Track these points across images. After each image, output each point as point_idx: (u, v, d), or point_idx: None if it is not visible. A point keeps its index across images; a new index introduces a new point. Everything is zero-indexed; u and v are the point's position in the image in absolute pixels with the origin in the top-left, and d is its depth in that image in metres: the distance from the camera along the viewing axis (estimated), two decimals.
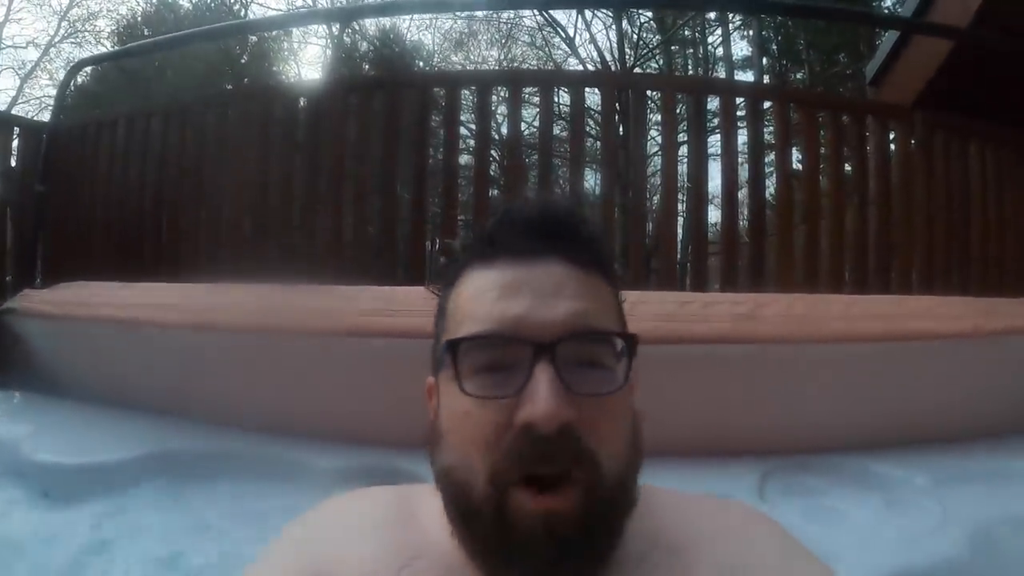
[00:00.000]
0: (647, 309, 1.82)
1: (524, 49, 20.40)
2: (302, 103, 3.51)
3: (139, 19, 19.70)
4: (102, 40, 19.32)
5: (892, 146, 3.40)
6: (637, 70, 16.65)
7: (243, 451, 2.01)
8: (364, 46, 20.36)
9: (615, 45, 17.60)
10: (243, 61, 19.89)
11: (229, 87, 16.67)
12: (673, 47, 18.46)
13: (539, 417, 0.59)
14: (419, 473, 1.56)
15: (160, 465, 1.93)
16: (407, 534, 0.74)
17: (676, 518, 0.75)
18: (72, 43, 19.38)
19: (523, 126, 4.16)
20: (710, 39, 18.67)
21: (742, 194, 3.47)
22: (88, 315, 2.31)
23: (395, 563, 0.70)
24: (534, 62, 19.67)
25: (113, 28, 19.73)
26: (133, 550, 1.58)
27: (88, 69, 14.87)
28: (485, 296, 0.67)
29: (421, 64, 20.24)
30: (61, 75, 17.44)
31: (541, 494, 0.61)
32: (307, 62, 21.77)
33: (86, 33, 19.64)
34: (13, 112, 14.41)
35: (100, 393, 2.38)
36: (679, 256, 5.25)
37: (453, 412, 0.67)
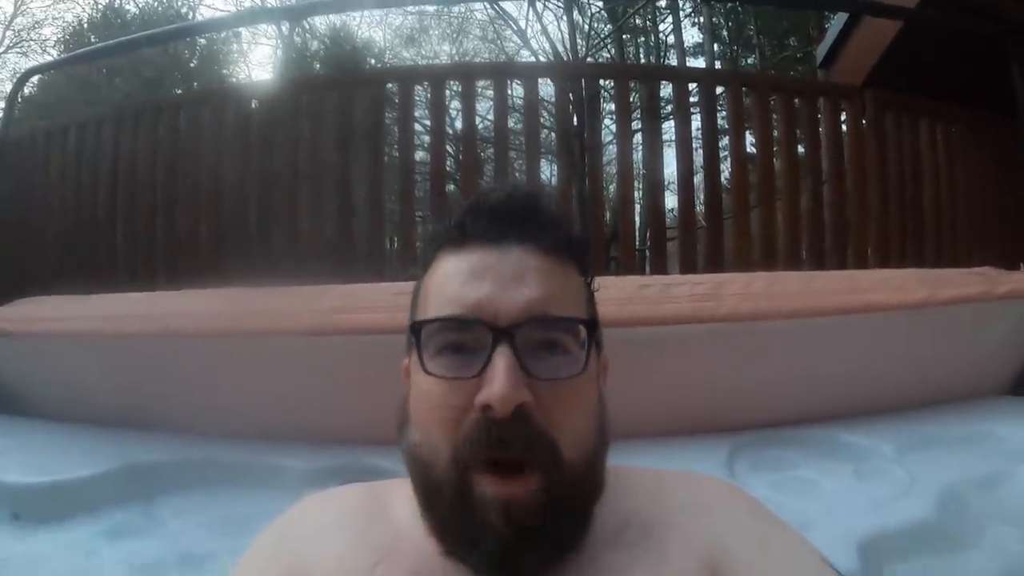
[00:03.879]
0: (607, 294, 1.81)
1: (476, 43, 20.33)
2: (254, 105, 3.47)
3: (85, 26, 19.21)
4: (48, 49, 18.84)
5: (844, 126, 3.46)
6: (589, 60, 16.68)
7: (215, 459, 1.98)
8: (315, 45, 20.13)
9: (567, 36, 17.63)
10: (192, 65, 19.54)
11: (179, 92, 16.37)
12: (625, 36, 18.52)
13: (495, 399, 0.61)
14: (392, 469, 1.56)
15: (131, 479, 1.88)
16: (381, 530, 0.74)
17: (649, 495, 0.76)
18: (18, 53, 18.91)
19: (478, 120, 4.15)
20: (661, 27, 18.77)
21: (697, 179, 3.51)
22: (47, 330, 2.24)
23: (370, 559, 0.70)
24: (486, 55, 19.61)
25: (59, 36, 19.26)
26: (112, 568, 1.54)
27: (35, 80, 14.51)
28: (452, 280, 0.69)
29: (373, 62, 20.08)
30: (7, 86, 17.00)
31: (502, 480, 0.62)
32: (258, 63, 21.51)
33: (32, 42, 19.16)
34: None
35: (65, 410, 2.32)
36: (637, 243, 5.29)
37: (419, 392, 0.68)
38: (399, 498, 0.76)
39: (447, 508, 0.65)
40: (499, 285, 0.66)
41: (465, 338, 0.66)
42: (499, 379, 0.61)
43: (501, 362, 0.62)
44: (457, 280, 0.68)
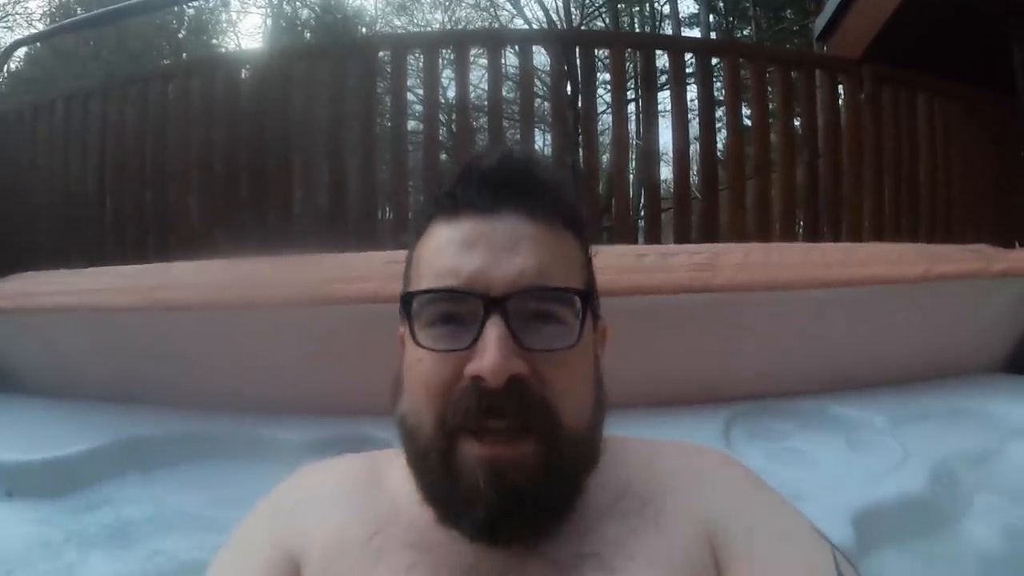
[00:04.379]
0: (604, 262, 1.80)
1: (469, 11, 20.07)
2: (245, 75, 3.43)
3: None
4: (34, 23, 18.54)
5: (841, 100, 3.45)
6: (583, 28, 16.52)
7: (209, 432, 1.97)
8: (305, 14, 19.88)
9: (561, 4, 17.46)
10: (181, 35, 19.29)
11: (167, 63, 16.17)
12: (619, 5, 18.34)
13: (486, 370, 0.60)
14: (388, 439, 1.54)
15: (125, 454, 1.87)
16: (376, 501, 0.74)
17: (645, 466, 0.75)
18: (3, 27, 18.62)
19: (471, 89, 4.11)
20: None
21: (692, 150, 3.49)
22: (39, 306, 2.22)
23: (366, 531, 0.70)
24: (480, 24, 19.39)
25: (45, 9, 18.95)
26: (108, 544, 1.54)
27: (21, 54, 14.29)
28: (444, 250, 0.67)
29: (364, 30, 19.84)
30: None
31: (491, 444, 0.62)
32: (247, 33, 21.25)
33: (17, 16, 18.85)
34: None
35: (58, 385, 2.31)
36: (632, 213, 5.28)
37: (411, 362, 0.67)
38: (395, 469, 0.75)
39: (435, 474, 0.65)
40: (491, 255, 0.65)
41: (457, 309, 0.64)
42: (490, 350, 0.60)
43: (493, 333, 0.61)
44: (449, 250, 0.67)
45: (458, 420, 0.62)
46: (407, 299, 0.66)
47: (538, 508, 0.63)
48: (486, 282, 0.63)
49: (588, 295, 0.67)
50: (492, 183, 0.69)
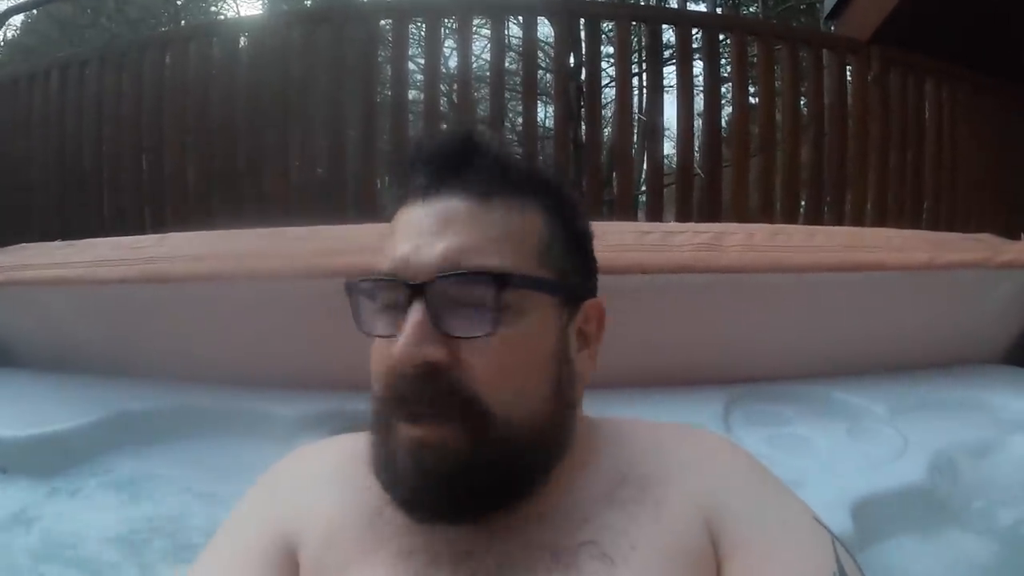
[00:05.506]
0: (606, 240, 1.79)
1: None
2: (243, 42, 3.38)
3: None
4: None
5: (848, 80, 3.41)
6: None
7: (205, 407, 1.96)
8: None
9: None
10: (179, 2, 19.07)
11: (165, 30, 16.02)
12: None
13: (395, 356, 0.62)
14: None
15: (120, 428, 1.86)
16: (374, 483, 0.71)
17: (646, 450, 0.74)
18: None
19: (473, 59, 4.05)
20: None
21: (696, 126, 3.47)
22: (31, 278, 2.18)
23: (365, 515, 0.69)
24: None
25: None
26: (101, 517, 1.54)
27: (17, 22, 14.11)
28: (392, 237, 0.69)
29: None
30: None
31: (416, 425, 0.62)
32: (247, 1, 20.96)
33: None
34: None
35: (50, 359, 2.30)
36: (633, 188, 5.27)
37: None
38: None
39: (378, 451, 0.67)
40: (422, 239, 0.65)
41: (391, 296, 0.66)
42: (402, 337, 0.61)
43: (410, 319, 0.62)
44: (395, 237, 0.68)
45: (391, 403, 0.64)
46: (349, 287, 0.69)
47: (459, 490, 0.63)
48: (411, 267, 0.64)
49: (506, 277, 0.64)
50: (431, 165, 0.70)
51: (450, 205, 0.66)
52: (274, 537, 0.71)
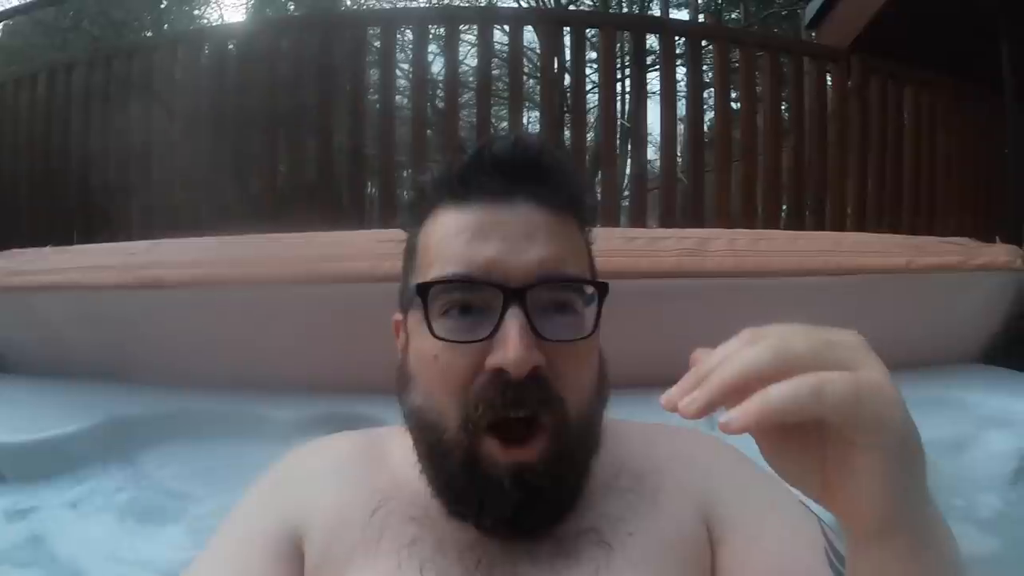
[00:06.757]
0: (593, 245, 1.82)
1: None
2: (231, 47, 3.38)
3: None
4: None
5: (828, 88, 3.46)
6: (572, 8, 16.40)
7: (199, 410, 1.96)
8: None
9: None
10: (162, 5, 18.91)
11: (149, 34, 15.87)
12: None
13: (510, 363, 0.59)
14: (380, 417, 1.54)
15: (116, 433, 1.86)
16: (378, 477, 0.74)
17: (640, 446, 0.77)
18: None
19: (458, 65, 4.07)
20: None
21: (679, 131, 3.50)
22: (24, 284, 2.18)
23: (367, 507, 0.70)
24: (468, 1, 19.12)
25: None
26: (99, 519, 1.55)
27: (0, 26, 13.94)
28: (457, 238, 0.66)
29: (350, 2, 19.53)
30: None
31: (510, 446, 0.62)
32: (230, 3, 20.78)
33: None
34: None
35: (44, 365, 2.29)
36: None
37: (423, 354, 0.66)
38: (395, 446, 0.75)
39: (456, 471, 0.64)
40: (508, 244, 0.64)
41: (473, 299, 0.63)
42: (513, 342, 0.59)
43: (514, 324, 0.60)
44: (462, 238, 0.65)
45: (481, 413, 0.61)
46: (424, 288, 0.64)
47: (555, 500, 0.65)
48: (504, 272, 0.63)
49: (603, 286, 0.66)
50: (506, 169, 0.68)
51: (531, 213, 0.66)
52: (279, 528, 0.71)
